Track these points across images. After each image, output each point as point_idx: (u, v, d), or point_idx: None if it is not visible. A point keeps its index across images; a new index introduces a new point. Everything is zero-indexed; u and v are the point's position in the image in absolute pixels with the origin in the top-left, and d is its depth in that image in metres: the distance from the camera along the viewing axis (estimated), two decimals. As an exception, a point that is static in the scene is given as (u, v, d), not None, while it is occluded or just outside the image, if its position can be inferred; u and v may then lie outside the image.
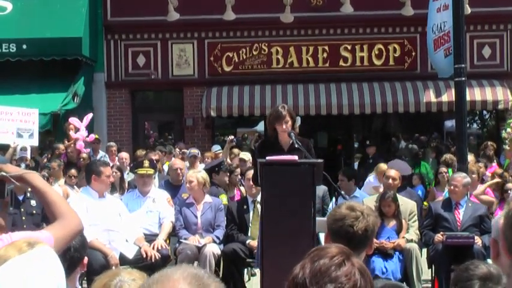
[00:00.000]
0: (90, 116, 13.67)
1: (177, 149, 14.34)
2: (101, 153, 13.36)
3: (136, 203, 9.08)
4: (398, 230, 8.83)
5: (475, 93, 16.51)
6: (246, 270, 9.40)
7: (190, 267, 1.85)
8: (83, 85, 16.16)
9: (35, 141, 12.77)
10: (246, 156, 12.24)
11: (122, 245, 8.27)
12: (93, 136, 13.55)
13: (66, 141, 13.46)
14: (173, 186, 10.21)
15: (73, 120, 13.28)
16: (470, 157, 11.24)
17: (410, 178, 12.79)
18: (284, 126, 7.11)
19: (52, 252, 2.39)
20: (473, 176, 10.36)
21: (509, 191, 9.82)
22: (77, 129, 13.24)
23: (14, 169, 3.36)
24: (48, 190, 3.27)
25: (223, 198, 9.81)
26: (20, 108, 12.80)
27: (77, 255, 3.69)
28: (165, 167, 13.17)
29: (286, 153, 6.96)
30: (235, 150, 13.64)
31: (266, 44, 17.38)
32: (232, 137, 13.57)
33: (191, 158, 12.90)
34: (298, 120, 16.52)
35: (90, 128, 14.02)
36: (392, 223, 8.82)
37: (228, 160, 12.78)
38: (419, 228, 9.03)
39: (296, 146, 6.97)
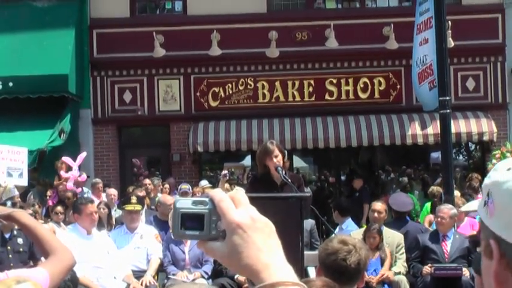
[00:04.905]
0: (83, 155, 13.50)
1: (165, 184, 14.32)
2: (85, 190, 13.27)
3: (124, 239, 9.08)
4: (383, 260, 8.90)
5: (460, 125, 16.61)
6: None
7: (205, 285, 1.88)
8: (70, 122, 16.09)
9: (25, 181, 12.49)
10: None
11: (110, 282, 8.25)
12: (85, 176, 13.42)
13: (57, 180, 13.29)
14: (162, 221, 10.19)
15: (66, 160, 13.12)
16: (456, 192, 11.23)
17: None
18: (275, 161, 7.04)
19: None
20: (460, 208, 10.39)
21: None
22: (69, 168, 13.10)
23: (1, 208, 3.39)
24: (37, 227, 3.30)
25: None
26: (10, 146, 12.56)
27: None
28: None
29: (279, 188, 6.95)
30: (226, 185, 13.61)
31: (252, 79, 17.46)
32: (226, 171, 13.55)
33: (182, 194, 12.88)
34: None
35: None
36: (377, 254, 8.89)
37: None
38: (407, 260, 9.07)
39: (285, 180, 6.95)
